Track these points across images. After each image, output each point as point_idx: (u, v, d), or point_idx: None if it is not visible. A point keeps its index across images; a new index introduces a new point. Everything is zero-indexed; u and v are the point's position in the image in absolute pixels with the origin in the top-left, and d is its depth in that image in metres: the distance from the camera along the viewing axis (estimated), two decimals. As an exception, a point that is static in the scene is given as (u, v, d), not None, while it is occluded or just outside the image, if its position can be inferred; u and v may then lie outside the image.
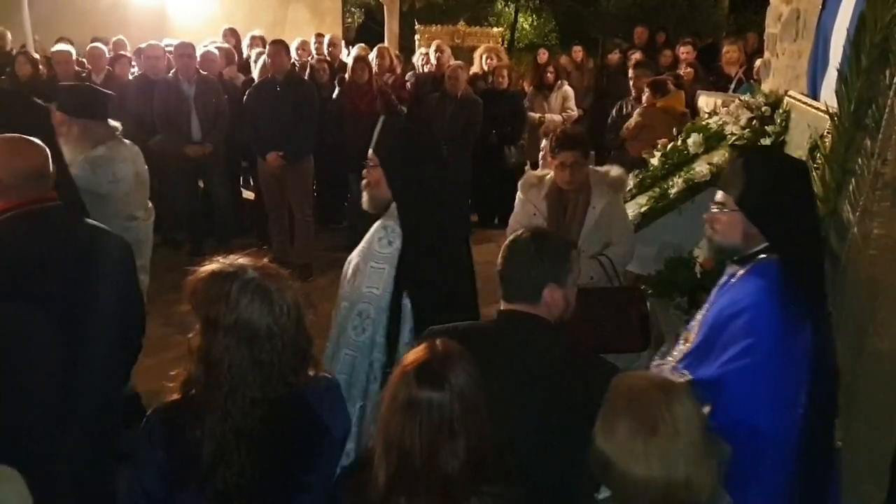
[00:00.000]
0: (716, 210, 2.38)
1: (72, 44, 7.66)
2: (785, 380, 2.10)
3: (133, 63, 7.69)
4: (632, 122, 6.26)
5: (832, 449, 2.25)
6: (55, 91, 4.32)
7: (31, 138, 2.86)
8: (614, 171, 3.92)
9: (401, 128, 2.81)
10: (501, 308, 2.15)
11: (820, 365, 2.14)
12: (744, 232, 2.30)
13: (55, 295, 2.46)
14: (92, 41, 8.10)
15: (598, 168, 4.00)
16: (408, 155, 2.75)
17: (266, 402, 1.80)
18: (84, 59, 7.55)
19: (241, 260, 1.88)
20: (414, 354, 1.72)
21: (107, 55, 7.39)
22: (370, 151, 2.82)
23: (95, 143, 3.91)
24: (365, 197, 2.84)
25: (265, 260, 1.93)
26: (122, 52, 7.62)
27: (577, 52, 9.92)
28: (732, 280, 2.38)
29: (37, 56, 7.51)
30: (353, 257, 2.80)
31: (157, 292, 5.51)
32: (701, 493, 1.56)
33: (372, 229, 2.80)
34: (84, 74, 7.03)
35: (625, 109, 6.83)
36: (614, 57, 9.43)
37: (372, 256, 2.70)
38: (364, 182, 2.84)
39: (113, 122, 4.04)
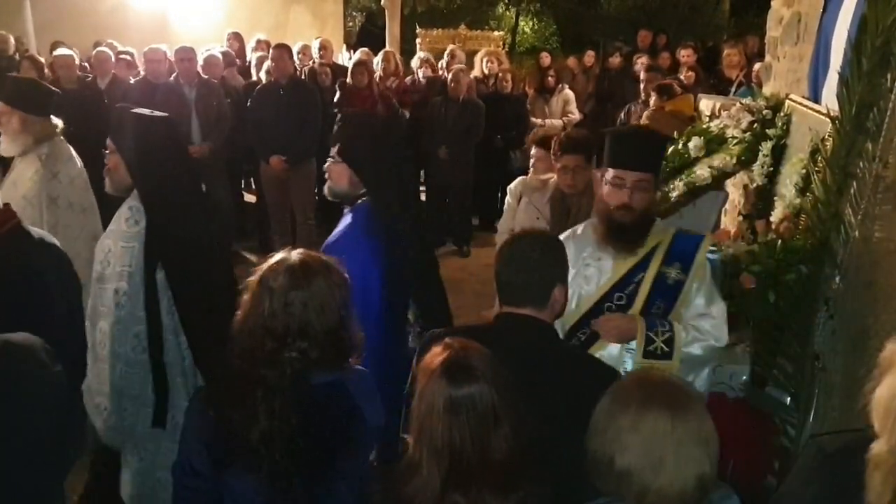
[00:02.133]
0: (330, 161, 2.95)
1: (68, 48, 7.66)
2: (365, 288, 2.67)
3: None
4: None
5: (403, 327, 3.00)
6: (59, 96, 4.22)
7: None
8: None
9: (135, 115, 2.89)
10: (502, 311, 2.12)
11: (390, 278, 2.84)
12: (349, 179, 2.91)
13: (46, 313, 2.45)
14: (94, 46, 8.12)
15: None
16: (141, 141, 2.82)
17: (308, 353, 1.86)
18: (87, 64, 7.57)
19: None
20: (433, 358, 1.71)
21: (112, 59, 7.41)
22: (108, 139, 2.91)
23: (37, 139, 3.78)
24: (107, 181, 2.93)
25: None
26: (124, 56, 7.62)
27: (590, 56, 9.82)
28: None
29: (42, 60, 7.51)
30: (104, 239, 2.87)
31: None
32: (631, 473, 1.59)
33: (119, 211, 2.88)
34: (89, 79, 7.05)
35: (632, 112, 6.82)
36: (615, 60, 9.40)
37: (121, 237, 2.78)
38: (105, 168, 2.92)
39: (55, 120, 3.92)
